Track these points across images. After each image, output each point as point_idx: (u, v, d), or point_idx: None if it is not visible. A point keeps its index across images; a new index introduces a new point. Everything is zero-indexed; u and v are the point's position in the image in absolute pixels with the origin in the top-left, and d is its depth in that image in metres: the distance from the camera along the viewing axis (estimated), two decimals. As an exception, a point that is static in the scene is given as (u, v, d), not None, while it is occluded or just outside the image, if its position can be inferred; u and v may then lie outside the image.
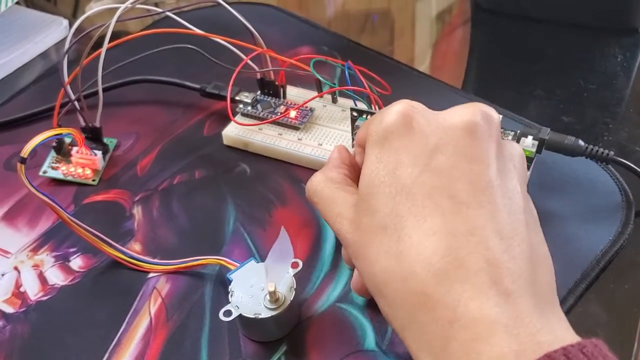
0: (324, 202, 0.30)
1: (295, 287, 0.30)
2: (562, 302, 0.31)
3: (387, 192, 0.26)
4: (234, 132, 0.41)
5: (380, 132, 0.27)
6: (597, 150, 0.36)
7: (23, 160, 0.31)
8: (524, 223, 0.26)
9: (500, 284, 0.23)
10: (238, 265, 0.32)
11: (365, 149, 0.28)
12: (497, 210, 0.25)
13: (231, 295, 0.30)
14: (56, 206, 0.32)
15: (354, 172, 0.31)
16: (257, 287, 0.30)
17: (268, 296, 0.29)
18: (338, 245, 0.35)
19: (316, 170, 0.38)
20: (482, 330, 0.22)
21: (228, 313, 0.29)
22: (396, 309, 0.25)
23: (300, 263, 0.31)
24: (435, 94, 0.44)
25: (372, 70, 0.40)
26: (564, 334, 0.23)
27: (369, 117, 0.37)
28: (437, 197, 0.25)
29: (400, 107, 0.27)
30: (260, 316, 0.29)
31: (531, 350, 0.21)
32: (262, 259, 0.34)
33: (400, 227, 0.25)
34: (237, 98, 0.42)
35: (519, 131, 0.36)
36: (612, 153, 0.36)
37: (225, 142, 0.41)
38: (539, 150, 0.36)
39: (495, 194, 0.25)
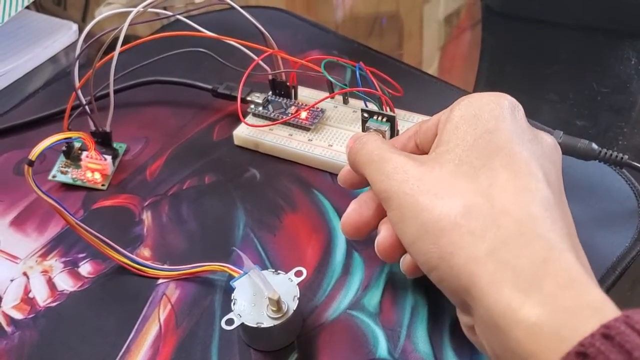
0: (377, 163, 0.29)
1: (298, 296, 0.30)
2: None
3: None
4: (244, 132, 0.41)
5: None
6: (611, 154, 0.35)
7: (30, 163, 0.30)
8: None
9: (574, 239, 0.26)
10: (241, 272, 0.31)
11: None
12: None
13: (234, 304, 0.30)
14: (63, 210, 0.32)
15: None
16: (259, 295, 0.30)
17: (271, 305, 0.29)
18: (349, 251, 0.34)
19: (326, 172, 0.38)
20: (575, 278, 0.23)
21: (230, 321, 0.29)
22: (477, 241, 0.25)
23: (304, 271, 0.31)
24: (446, 98, 0.44)
25: (382, 73, 0.40)
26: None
27: (379, 118, 0.36)
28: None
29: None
30: (262, 325, 0.29)
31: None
32: (272, 264, 0.34)
33: (492, 172, 0.26)
34: (248, 98, 0.41)
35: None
36: (626, 157, 0.35)
37: (236, 142, 0.41)
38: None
39: None
